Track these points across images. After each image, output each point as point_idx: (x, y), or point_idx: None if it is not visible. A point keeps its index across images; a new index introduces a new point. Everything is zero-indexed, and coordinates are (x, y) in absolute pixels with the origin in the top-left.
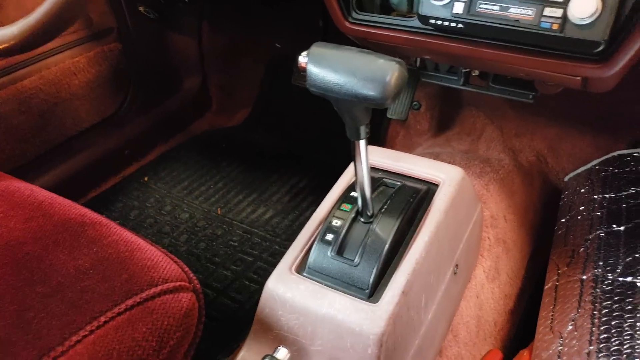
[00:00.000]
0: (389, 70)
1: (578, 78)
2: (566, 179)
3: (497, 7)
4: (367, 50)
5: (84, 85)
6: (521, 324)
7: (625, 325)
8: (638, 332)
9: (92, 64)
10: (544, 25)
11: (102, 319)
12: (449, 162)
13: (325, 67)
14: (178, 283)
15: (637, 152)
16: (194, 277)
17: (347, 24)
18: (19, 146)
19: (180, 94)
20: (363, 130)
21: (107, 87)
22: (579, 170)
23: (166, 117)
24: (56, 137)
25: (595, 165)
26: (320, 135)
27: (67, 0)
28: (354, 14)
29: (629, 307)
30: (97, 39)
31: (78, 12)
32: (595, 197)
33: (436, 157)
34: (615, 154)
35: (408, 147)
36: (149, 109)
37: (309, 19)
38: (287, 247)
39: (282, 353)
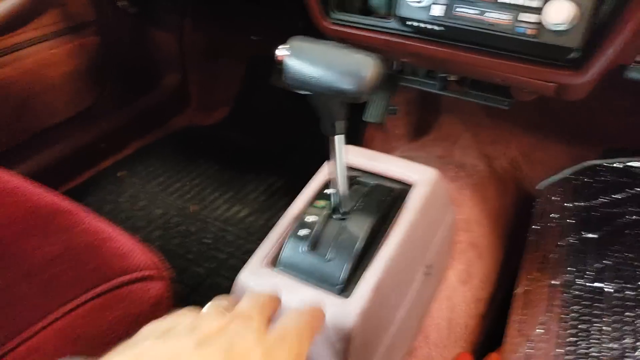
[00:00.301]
0: (365, 64)
1: (552, 84)
2: (539, 186)
3: (474, 11)
4: (344, 45)
5: (60, 77)
6: (492, 328)
7: (592, 329)
8: (605, 336)
9: (70, 57)
10: (519, 30)
11: (71, 305)
12: None
13: (303, 60)
14: (150, 272)
15: (608, 162)
16: (168, 267)
17: (325, 23)
18: None
19: (159, 90)
20: (339, 125)
21: (84, 80)
22: (552, 179)
23: (144, 113)
24: (31, 129)
25: (567, 174)
26: (298, 136)
27: None
28: (332, 14)
29: (597, 312)
30: (75, 31)
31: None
32: (567, 205)
33: (412, 160)
34: (587, 163)
35: (385, 151)
36: (126, 104)
37: (290, 20)
38: None
39: None
